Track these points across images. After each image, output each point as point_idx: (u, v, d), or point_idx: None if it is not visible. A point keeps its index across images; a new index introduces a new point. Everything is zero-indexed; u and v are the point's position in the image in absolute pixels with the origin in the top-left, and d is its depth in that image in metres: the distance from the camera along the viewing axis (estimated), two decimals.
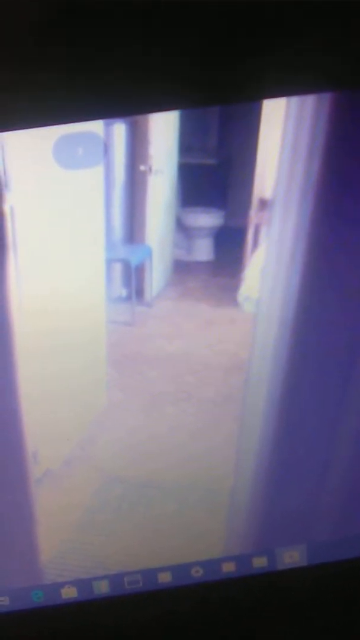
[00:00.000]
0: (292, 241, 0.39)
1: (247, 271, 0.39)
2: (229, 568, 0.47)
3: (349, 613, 0.48)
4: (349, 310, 0.40)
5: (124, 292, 0.42)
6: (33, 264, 0.38)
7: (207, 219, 0.40)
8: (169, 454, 0.44)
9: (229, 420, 0.43)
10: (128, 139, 0.38)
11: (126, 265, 0.42)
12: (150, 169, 0.40)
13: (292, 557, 0.47)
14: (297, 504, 0.46)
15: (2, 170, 0.36)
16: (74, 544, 0.45)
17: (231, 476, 0.45)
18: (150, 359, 0.41)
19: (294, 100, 0.36)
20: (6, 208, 0.36)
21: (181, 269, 0.41)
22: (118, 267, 0.41)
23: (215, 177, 0.39)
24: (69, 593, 0.46)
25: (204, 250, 0.41)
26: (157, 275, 0.42)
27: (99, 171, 0.37)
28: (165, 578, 0.46)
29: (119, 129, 0.37)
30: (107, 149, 0.37)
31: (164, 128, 0.37)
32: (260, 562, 0.47)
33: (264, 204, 0.38)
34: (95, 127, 0.36)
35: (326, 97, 0.35)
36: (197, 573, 0.46)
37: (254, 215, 0.38)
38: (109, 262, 0.40)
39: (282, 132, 0.36)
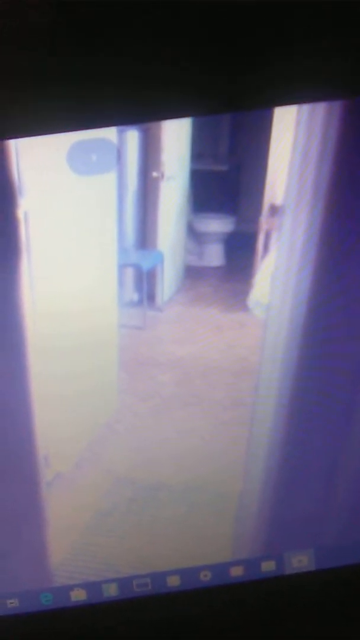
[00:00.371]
0: (303, 247, 0.39)
1: (257, 277, 0.40)
2: (237, 572, 0.47)
3: (357, 617, 0.48)
4: (358, 316, 0.41)
5: (135, 297, 0.43)
6: (46, 268, 0.38)
7: (218, 225, 0.40)
8: (179, 458, 0.44)
9: (238, 425, 0.43)
10: (141, 146, 0.38)
11: (138, 270, 0.42)
12: (162, 175, 0.41)
13: (300, 561, 0.47)
14: (305, 509, 0.46)
15: (17, 176, 0.36)
16: (84, 546, 0.46)
17: (240, 480, 0.45)
18: (161, 363, 0.42)
19: (305, 107, 0.36)
20: (20, 213, 0.37)
21: (192, 274, 0.42)
22: (130, 272, 0.42)
23: (227, 183, 0.40)
24: (78, 596, 0.46)
25: (214, 255, 0.42)
26: (168, 280, 0.42)
27: (112, 177, 0.38)
28: (174, 581, 0.46)
29: (132, 136, 0.37)
30: (120, 155, 0.37)
31: (176, 135, 0.37)
32: (268, 566, 0.47)
33: (274, 210, 0.38)
34: (109, 134, 0.36)
35: (336, 105, 0.36)
36: (205, 577, 0.47)
37: (264, 221, 0.38)
38: (121, 267, 0.40)
39: (293, 139, 0.37)
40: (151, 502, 0.45)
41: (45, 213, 0.37)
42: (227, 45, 0.35)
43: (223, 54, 0.35)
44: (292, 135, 0.37)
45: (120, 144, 0.37)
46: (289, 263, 0.39)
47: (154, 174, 0.41)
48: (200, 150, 0.37)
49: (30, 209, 0.37)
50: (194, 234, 0.41)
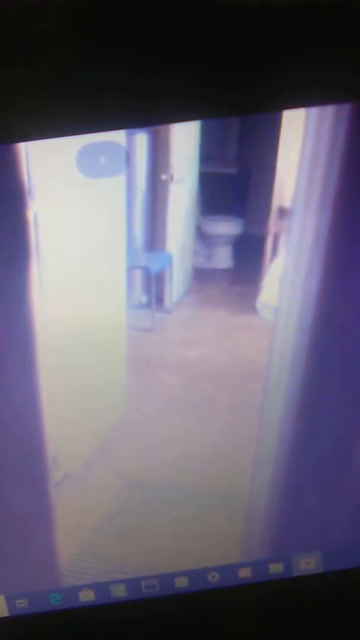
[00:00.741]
0: (311, 250, 0.39)
1: (265, 279, 0.40)
2: (245, 574, 0.47)
3: None
4: None
5: (144, 299, 0.43)
6: (56, 270, 0.39)
7: (226, 227, 0.40)
8: (187, 459, 0.44)
9: (246, 427, 0.43)
10: (150, 149, 0.38)
11: (147, 272, 0.42)
12: (171, 178, 0.41)
13: (308, 563, 0.47)
14: (313, 511, 0.46)
15: (27, 178, 0.36)
16: (92, 547, 0.46)
17: (248, 482, 0.45)
18: (169, 365, 0.42)
19: (314, 110, 0.36)
20: (30, 216, 0.37)
21: (201, 276, 0.42)
22: (139, 274, 0.42)
23: (235, 186, 0.40)
24: (87, 596, 0.46)
25: (223, 258, 0.42)
26: (177, 282, 0.42)
27: (121, 180, 0.38)
28: (182, 583, 0.47)
29: (141, 139, 0.37)
30: (129, 158, 0.37)
31: (185, 138, 0.37)
32: (276, 568, 0.47)
33: (283, 212, 0.38)
34: (118, 136, 0.36)
35: (345, 108, 0.36)
36: (213, 578, 0.47)
37: (273, 224, 0.39)
38: (130, 269, 0.40)
39: (302, 142, 0.37)
40: (159, 504, 0.45)
41: (55, 215, 0.37)
42: (237, 48, 0.35)
43: (232, 57, 0.35)
44: (301, 138, 0.37)
45: (130, 147, 0.37)
46: (298, 266, 0.39)
47: (163, 176, 0.41)
48: (209, 153, 0.37)
49: (40, 210, 0.37)
50: (202, 236, 0.41)
